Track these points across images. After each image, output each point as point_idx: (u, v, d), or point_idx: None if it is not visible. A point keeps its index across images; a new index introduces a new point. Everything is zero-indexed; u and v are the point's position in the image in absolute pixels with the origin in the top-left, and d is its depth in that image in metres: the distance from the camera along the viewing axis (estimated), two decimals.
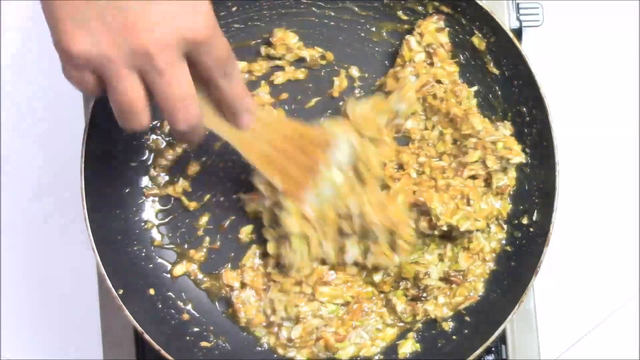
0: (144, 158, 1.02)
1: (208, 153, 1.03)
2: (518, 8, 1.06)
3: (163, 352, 0.92)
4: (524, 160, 0.98)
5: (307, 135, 0.92)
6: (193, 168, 1.03)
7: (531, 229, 0.98)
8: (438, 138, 1.01)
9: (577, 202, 1.15)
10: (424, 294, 0.99)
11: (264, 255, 1.02)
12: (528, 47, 1.06)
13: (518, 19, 1.07)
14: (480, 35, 0.99)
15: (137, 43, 0.69)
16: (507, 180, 0.99)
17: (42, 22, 1.15)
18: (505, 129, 0.99)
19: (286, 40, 1.02)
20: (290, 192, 0.92)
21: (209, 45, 0.73)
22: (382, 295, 1.01)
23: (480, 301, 1.00)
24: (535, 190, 0.98)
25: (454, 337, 0.99)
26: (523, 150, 0.98)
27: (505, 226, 1.00)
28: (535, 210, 0.98)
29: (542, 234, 0.95)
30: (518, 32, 1.07)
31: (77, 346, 1.16)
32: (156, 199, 1.02)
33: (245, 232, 1.03)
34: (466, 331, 0.99)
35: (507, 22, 1.06)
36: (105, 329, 1.05)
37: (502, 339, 1.05)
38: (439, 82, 1.00)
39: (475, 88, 1.01)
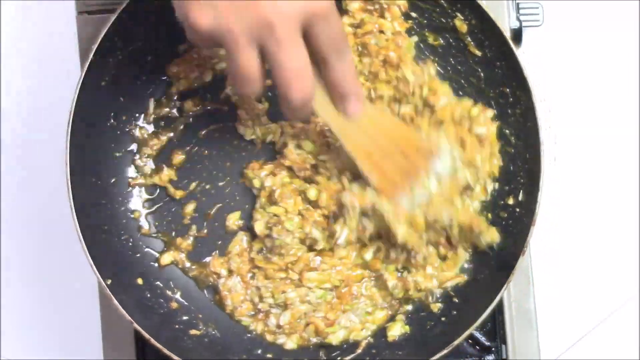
0: (129, 148, 1.03)
1: (193, 141, 1.04)
2: (518, 8, 1.06)
3: (153, 340, 0.92)
4: (448, 100, 0.98)
5: (412, 139, 0.90)
6: (178, 157, 1.03)
7: (517, 209, 0.98)
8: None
9: (576, 202, 1.15)
10: (414, 256, 0.99)
11: (251, 241, 1.02)
12: (528, 47, 1.07)
13: (518, 19, 1.07)
14: (462, 17, 0.99)
15: (260, 15, 0.72)
16: (486, 130, 0.98)
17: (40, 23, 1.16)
18: (431, 69, 0.99)
19: None
20: (386, 191, 0.90)
21: (327, 21, 0.76)
22: (372, 275, 1.01)
23: (468, 282, 0.99)
24: (521, 170, 0.98)
25: (442, 318, 0.99)
26: (507, 131, 0.99)
27: (492, 185, 1.00)
28: (521, 191, 0.98)
29: (529, 214, 0.95)
30: (518, 32, 1.07)
31: (77, 346, 1.16)
32: (142, 188, 1.03)
33: (233, 219, 1.03)
34: (454, 312, 0.99)
35: (507, 22, 1.06)
36: (105, 329, 1.05)
37: (502, 338, 1.04)
38: (381, 32, 1.00)
39: (415, 39, 1.02)
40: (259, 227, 1.00)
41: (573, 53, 1.18)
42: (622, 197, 1.16)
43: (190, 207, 1.03)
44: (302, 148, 1.00)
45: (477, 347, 1.04)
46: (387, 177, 0.89)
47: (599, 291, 1.15)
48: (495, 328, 1.04)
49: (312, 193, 0.98)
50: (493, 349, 1.04)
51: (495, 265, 0.98)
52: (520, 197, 0.98)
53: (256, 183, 1.01)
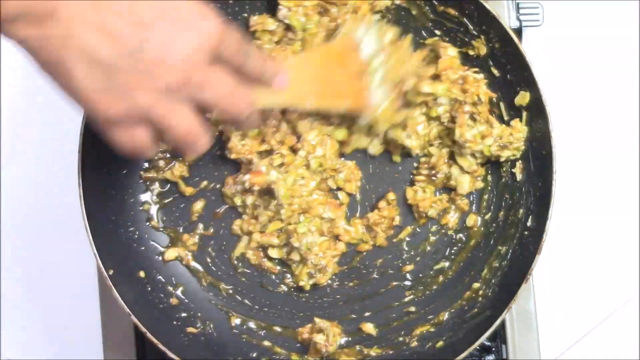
0: None
1: None
2: (518, 8, 1.06)
3: (149, 334, 0.92)
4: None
5: (334, 50, 0.94)
6: None
7: (525, 233, 0.98)
8: None
9: (577, 202, 1.15)
10: None
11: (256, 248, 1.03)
12: (528, 47, 1.06)
13: (518, 18, 1.07)
14: (484, 40, 0.98)
15: (170, 79, 0.70)
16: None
17: None
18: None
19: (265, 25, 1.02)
20: (357, 105, 0.94)
21: (227, 40, 0.75)
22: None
23: (471, 302, 0.99)
24: (532, 196, 0.98)
25: (443, 338, 0.99)
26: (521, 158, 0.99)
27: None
28: (530, 217, 0.97)
29: (536, 241, 0.95)
30: (518, 32, 1.07)
31: (77, 346, 1.16)
32: (154, 182, 1.03)
33: (239, 224, 1.02)
34: (455, 332, 0.99)
35: (507, 21, 1.06)
36: (105, 329, 1.05)
37: (503, 339, 1.05)
38: None
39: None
40: (274, 253, 1.00)
41: (573, 53, 1.18)
42: (622, 197, 1.17)
43: (199, 205, 1.03)
44: (247, 136, 0.99)
45: (477, 347, 1.03)
46: (350, 93, 0.93)
47: (599, 291, 1.16)
48: (495, 328, 1.03)
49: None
50: (493, 349, 1.05)
51: (498, 290, 0.98)
52: (529, 223, 0.97)
53: (237, 201, 1.01)
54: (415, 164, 1.03)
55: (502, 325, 1.04)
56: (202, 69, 0.73)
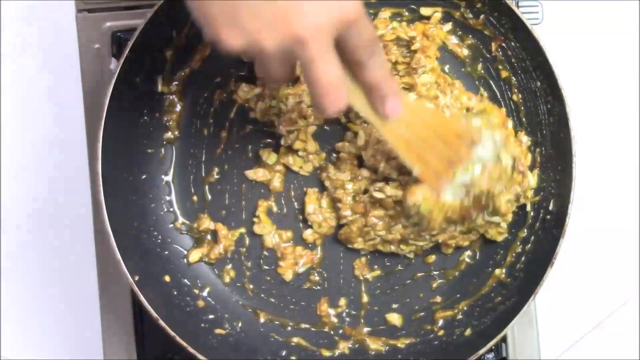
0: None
1: None
2: (518, 6, 1.06)
3: (178, 338, 0.92)
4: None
5: (452, 127, 0.88)
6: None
7: (548, 217, 0.98)
8: None
9: (576, 202, 1.15)
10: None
11: None
12: None
13: None
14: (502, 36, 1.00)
15: (291, 32, 0.70)
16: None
17: (40, 21, 1.16)
18: None
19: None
20: (429, 181, 0.88)
21: (357, 26, 0.73)
22: None
23: (494, 290, 1.00)
24: (552, 181, 0.98)
25: (467, 329, 0.99)
26: (536, 142, 0.99)
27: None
28: (552, 200, 0.97)
29: (559, 225, 0.95)
30: None
31: (77, 346, 1.16)
32: (173, 185, 1.02)
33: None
34: (476, 322, 0.99)
35: None
36: (105, 329, 1.04)
37: (503, 337, 1.04)
38: None
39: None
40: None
41: (573, 52, 1.19)
42: (622, 197, 1.18)
43: None
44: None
45: None
46: (430, 167, 0.87)
47: (599, 291, 1.17)
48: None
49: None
50: (493, 348, 1.04)
51: (523, 275, 0.98)
52: (550, 207, 0.98)
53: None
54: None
55: None
56: (321, 44, 0.71)
